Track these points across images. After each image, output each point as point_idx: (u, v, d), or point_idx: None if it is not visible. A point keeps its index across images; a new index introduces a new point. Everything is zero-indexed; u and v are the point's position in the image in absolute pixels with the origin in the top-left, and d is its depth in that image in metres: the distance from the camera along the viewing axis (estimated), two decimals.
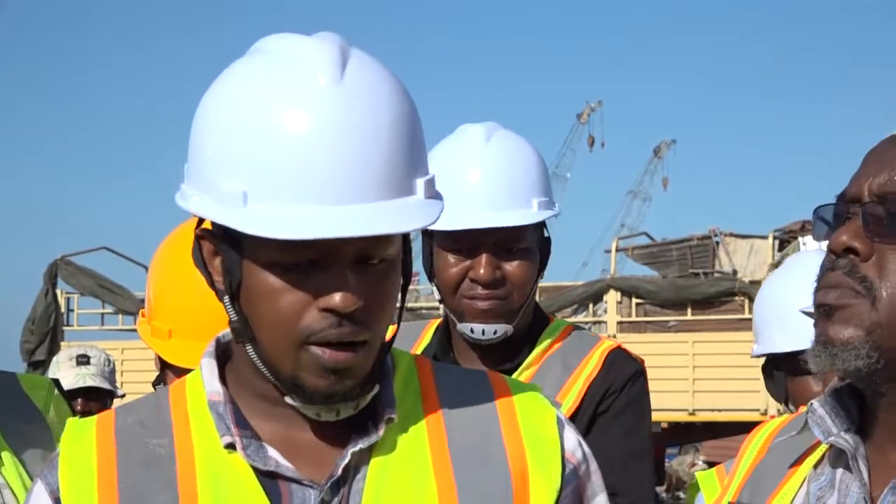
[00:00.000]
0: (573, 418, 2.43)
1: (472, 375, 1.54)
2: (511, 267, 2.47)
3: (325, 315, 1.35)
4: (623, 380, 2.54)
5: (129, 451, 1.42)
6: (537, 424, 1.47)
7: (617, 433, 2.50)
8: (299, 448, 1.42)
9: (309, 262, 1.35)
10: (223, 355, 1.48)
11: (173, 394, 1.48)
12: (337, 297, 1.34)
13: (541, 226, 2.56)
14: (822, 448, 1.46)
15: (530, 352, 2.56)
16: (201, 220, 1.43)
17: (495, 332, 2.48)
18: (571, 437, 1.50)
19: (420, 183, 1.38)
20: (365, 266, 1.36)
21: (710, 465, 22.60)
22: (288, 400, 1.40)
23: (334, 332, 1.35)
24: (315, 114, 1.33)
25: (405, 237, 1.44)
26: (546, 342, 2.57)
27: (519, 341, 2.54)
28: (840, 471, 1.42)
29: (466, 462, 1.43)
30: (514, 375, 2.48)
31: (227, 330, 1.47)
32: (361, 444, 1.40)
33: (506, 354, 2.54)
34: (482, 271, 2.45)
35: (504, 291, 2.47)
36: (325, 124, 1.33)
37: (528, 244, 2.51)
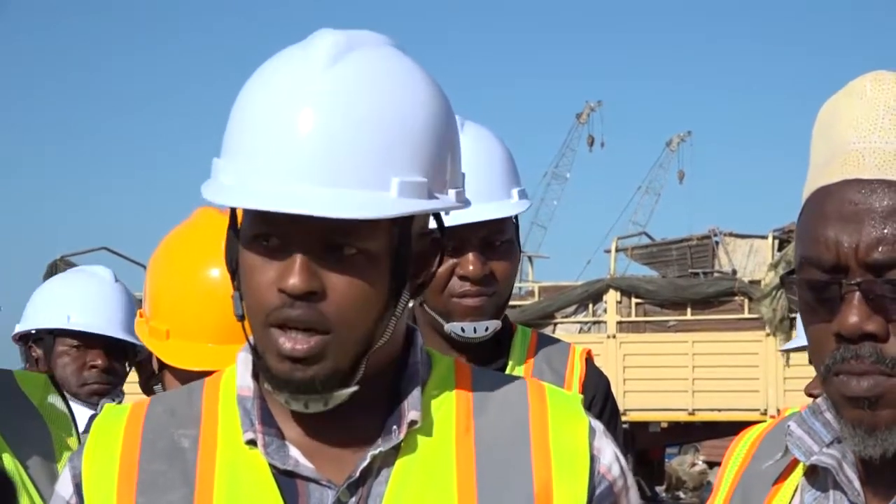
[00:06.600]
0: None
1: (512, 384, 1.49)
2: (497, 262, 2.43)
3: (281, 295, 1.34)
4: (604, 390, 2.52)
5: (154, 442, 1.42)
6: (568, 437, 1.44)
7: None
8: (323, 449, 1.41)
9: (281, 242, 1.35)
10: None
11: (208, 386, 1.48)
12: (289, 278, 1.33)
13: (515, 218, 2.51)
14: None
15: (506, 353, 2.52)
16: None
17: (486, 329, 2.43)
18: (608, 451, 1.45)
19: (395, 182, 1.34)
20: (337, 254, 1.35)
21: (710, 464, 22.65)
22: (266, 386, 1.40)
23: (285, 312, 1.34)
24: (284, 94, 1.35)
25: (402, 236, 1.39)
26: (520, 345, 2.53)
27: (495, 341, 2.50)
28: (831, 484, 1.38)
29: (491, 474, 1.40)
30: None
31: None
32: (382, 447, 1.39)
33: (484, 356, 2.47)
34: (471, 267, 2.39)
35: (493, 288, 2.42)
36: (289, 103, 1.34)
37: (510, 236, 2.47)
